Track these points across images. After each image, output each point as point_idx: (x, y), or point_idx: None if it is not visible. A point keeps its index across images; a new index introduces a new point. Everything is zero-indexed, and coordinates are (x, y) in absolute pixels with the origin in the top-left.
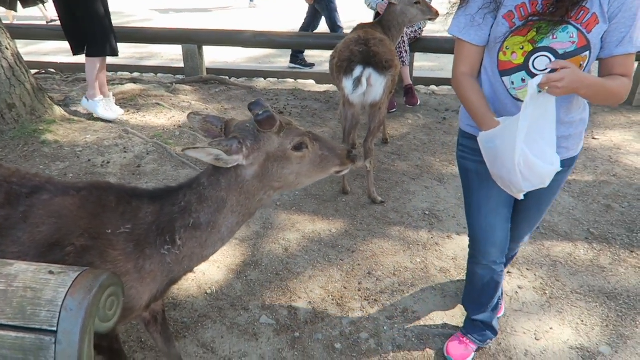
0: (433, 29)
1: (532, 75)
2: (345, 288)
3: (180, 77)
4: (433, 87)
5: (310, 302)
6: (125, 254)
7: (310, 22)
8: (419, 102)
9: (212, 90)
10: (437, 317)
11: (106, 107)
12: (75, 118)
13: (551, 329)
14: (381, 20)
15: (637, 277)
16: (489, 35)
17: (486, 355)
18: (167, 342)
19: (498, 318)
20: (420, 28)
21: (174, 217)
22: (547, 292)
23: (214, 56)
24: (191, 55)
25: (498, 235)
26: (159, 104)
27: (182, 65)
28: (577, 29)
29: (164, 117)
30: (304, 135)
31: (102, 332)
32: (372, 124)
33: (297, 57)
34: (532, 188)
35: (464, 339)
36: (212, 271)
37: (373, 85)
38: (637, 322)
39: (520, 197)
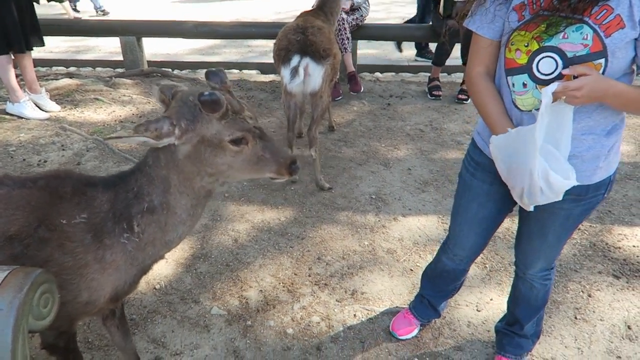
0: (376, 17)
1: (535, 79)
2: (295, 274)
3: (120, 70)
4: (377, 74)
5: (261, 290)
6: (84, 245)
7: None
8: (362, 89)
9: (154, 83)
10: (385, 297)
11: (34, 107)
12: (7, 116)
13: (491, 300)
14: (322, 5)
15: (567, 247)
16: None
17: (431, 329)
18: (124, 337)
19: (446, 304)
20: (362, 15)
21: (130, 203)
22: (487, 265)
23: (156, 48)
24: (130, 48)
25: (468, 243)
26: (97, 99)
27: (121, 58)
28: (594, 30)
29: (103, 112)
30: (248, 132)
31: (38, 330)
32: (315, 112)
33: (424, 50)
34: (548, 201)
35: (409, 314)
36: (160, 266)
37: (311, 75)
38: (568, 288)
39: (531, 208)
